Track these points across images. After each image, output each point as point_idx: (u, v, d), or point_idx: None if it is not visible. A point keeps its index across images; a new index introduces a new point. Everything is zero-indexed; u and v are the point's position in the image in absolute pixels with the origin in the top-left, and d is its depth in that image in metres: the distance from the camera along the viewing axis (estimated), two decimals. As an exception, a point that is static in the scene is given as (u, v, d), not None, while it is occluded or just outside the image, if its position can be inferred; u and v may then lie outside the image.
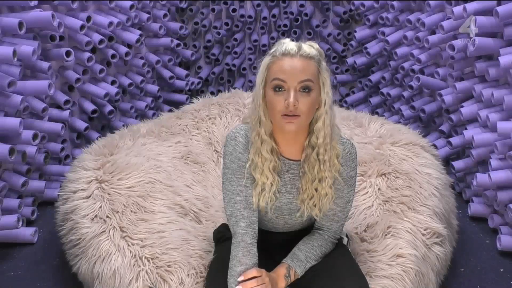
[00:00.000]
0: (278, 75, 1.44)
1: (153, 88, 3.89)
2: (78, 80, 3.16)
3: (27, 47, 2.54)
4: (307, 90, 1.44)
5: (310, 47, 1.48)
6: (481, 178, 2.64)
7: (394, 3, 3.54)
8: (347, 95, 4.43)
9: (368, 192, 2.20)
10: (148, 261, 1.79)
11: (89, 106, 3.33)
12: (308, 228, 1.71)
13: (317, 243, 1.64)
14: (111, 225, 1.97)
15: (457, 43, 2.87)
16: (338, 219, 1.64)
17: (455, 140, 3.08)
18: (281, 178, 1.58)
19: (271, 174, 1.53)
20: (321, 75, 1.48)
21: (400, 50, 3.51)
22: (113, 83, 3.49)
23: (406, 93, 3.55)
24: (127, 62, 3.67)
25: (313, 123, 1.51)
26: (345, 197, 1.61)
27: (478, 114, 2.73)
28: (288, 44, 1.47)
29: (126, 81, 3.61)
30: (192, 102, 3.07)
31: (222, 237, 1.80)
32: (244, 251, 1.52)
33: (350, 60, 4.12)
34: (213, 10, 4.24)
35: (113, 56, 3.41)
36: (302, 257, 1.60)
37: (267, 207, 1.57)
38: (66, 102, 3.09)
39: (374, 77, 3.94)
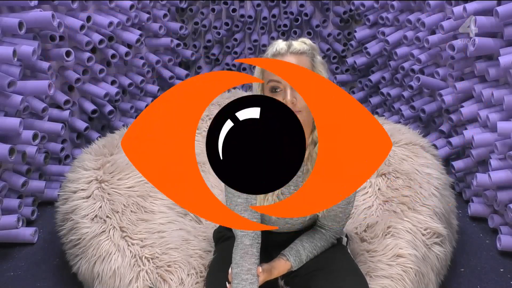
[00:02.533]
0: (272, 77, 1.44)
1: (153, 88, 3.89)
2: (78, 80, 3.16)
3: (27, 47, 2.54)
4: None
5: (301, 43, 1.48)
6: (481, 178, 2.64)
7: (394, 3, 3.54)
8: (347, 95, 4.42)
9: (368, 192, 2.20)
10: (148, 261, 1.79)
11: (89, 106, 3.33)
12: (308, 228, 1.71)
13: (320, 243, 1.65)
14: (111, 225, 1.97)
15: (457, 43, 2.86)
16: (339, 219, 1.64)
17: (455, 140, 3.08)
18: None
19: None
20: (316, 68, 1.48)
21: (400, 50, 3.51)
22: (113, 83, 3.49)
23: (406, 93, 3.55)
24: (127, 62, 3.67)
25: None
26: (346, 199, 1.61)
27: (478, 114, 2.73)
28: (278, 44, 1.48)
29: (126, 81, 3.60)
30: (192, 102, 3.06)
31: (222, 237, 1.81)
32: (241, 253, 1.52)
33: (350, 60, 4.12)
34: (213, 10, 4.24)
35: (113, 56, 3.41)
36: (304, 257, 1.62)
37: None
38: (66, 102, 3.09)
39: (374, 77, 3.94)
